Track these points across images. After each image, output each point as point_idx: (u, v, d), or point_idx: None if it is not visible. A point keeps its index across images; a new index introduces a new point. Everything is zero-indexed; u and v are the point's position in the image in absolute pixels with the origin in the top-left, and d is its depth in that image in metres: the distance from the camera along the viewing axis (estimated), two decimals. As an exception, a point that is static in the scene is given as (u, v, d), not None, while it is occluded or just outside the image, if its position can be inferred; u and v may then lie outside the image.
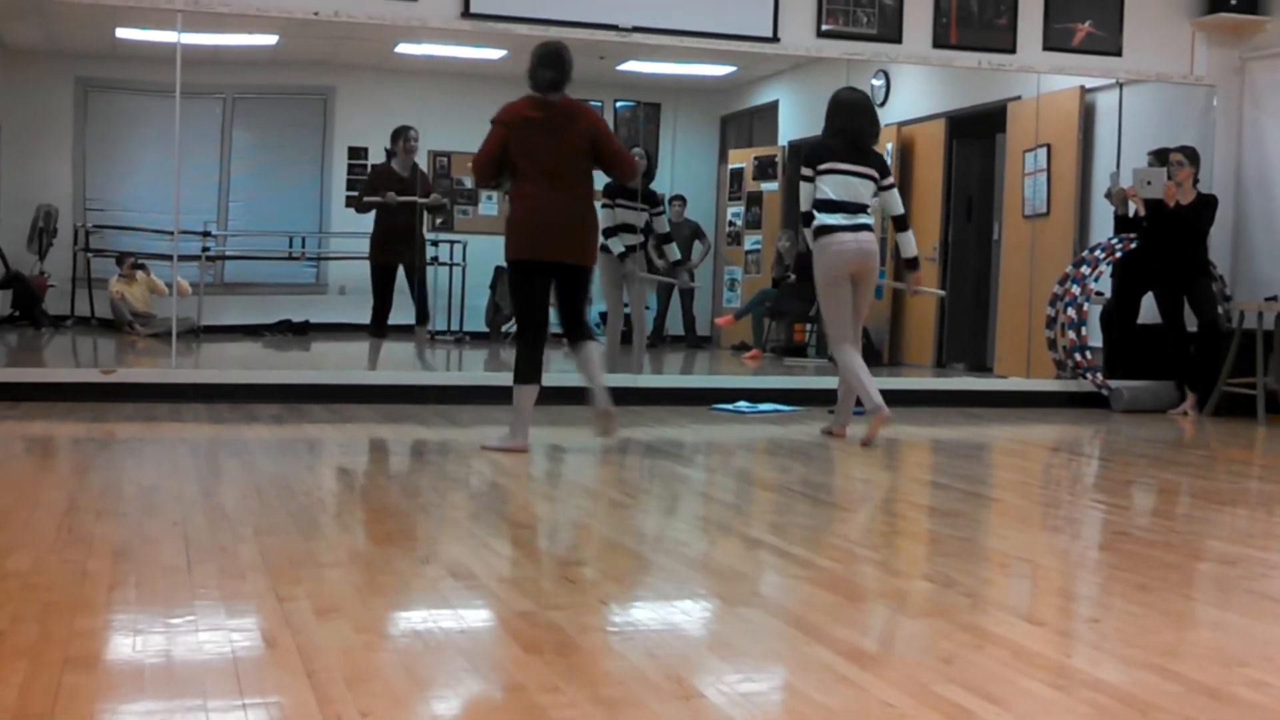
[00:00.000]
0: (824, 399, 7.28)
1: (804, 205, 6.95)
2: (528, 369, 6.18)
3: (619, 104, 12.04)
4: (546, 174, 6.10)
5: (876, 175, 6.91)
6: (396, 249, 9.39)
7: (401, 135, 9.46)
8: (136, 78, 11.41)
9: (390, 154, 9.56)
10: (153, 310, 11.64)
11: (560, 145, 6.12)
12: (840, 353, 6.93)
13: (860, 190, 6.85)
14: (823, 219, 6.82)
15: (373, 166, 10.48)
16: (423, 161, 11.37)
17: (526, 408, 6.18)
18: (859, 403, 6.91)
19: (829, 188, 6.81)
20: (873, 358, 7.12)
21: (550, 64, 6.14)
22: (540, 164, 6.11)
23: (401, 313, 9.39)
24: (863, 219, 6.85)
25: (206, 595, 3.35)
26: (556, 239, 6.12)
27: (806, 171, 6.92)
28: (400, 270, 9.36)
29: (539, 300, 6.23)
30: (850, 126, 6.92)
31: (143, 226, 11.67)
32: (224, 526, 4.25)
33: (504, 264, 6.31)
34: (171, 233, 9.32)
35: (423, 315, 9.74)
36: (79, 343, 11.51)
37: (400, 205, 9.32)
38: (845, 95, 7.11)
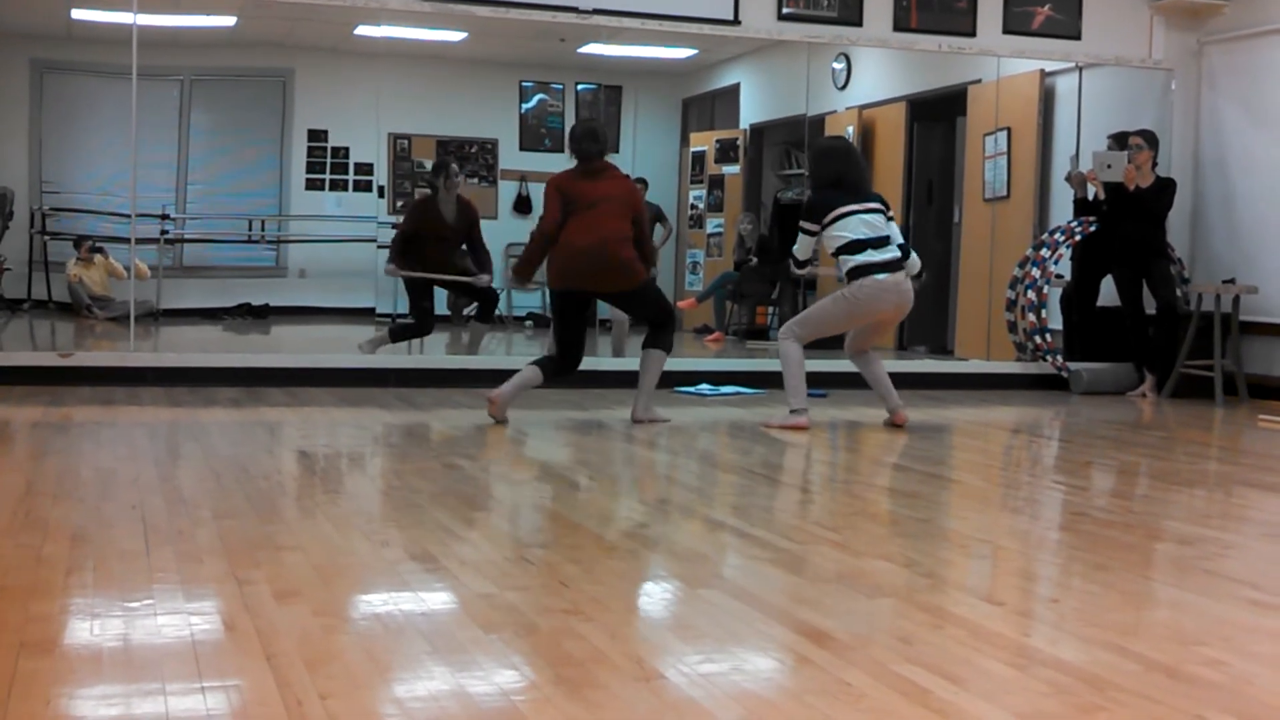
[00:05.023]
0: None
1: (801, 255, 6.88)
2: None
3: (580, 87, 11.98)
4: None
5: (884, 207, 6.83)
6: (432, 269, 8.85)
7: (443, 171, 8.86)
8: (93, 59, 11.32)
9: (433, 189, 8.90)
10: (111, 293, 11.55)
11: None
12: (789, 342, 6.85)
13: (879, 224, 6.74)
14: (859, 259, 6.65)
15: (415, 204, 9.64)
16: (382, 144, 11.33)
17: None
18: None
19: (850, 231, 6.67)
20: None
21: (594, 137, 6.67)
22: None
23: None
24: (893, 252, 6.71)
25: (165, 579, 3.33)
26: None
27: (810, 226, 6.75)
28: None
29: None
30: (850, 174, 6.82)
31: (100, 209, 11.58)
32: (182, 510, 4.23)
33: None
34: (129, 215, 9.24)
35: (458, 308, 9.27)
36: (36, 326, 11.40)
37: (437, 247, 8.82)
38: (832, 144, 7.00)
